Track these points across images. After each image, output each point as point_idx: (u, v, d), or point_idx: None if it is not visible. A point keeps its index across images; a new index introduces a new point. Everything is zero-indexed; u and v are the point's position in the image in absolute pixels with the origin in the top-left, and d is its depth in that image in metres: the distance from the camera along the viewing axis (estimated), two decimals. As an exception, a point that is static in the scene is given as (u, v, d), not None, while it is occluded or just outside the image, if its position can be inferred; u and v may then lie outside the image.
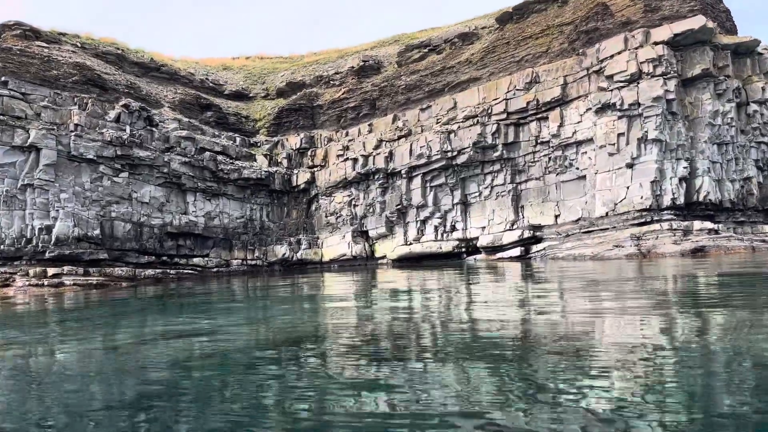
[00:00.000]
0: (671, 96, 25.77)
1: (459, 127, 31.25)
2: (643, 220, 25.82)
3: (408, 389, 4.78)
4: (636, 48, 26.32)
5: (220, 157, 33.62)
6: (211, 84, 38.55)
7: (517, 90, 29.77)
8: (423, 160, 32.11)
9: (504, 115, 30.05)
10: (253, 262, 34.90)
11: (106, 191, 29.19)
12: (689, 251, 23.03)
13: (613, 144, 26.67)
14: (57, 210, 27.29)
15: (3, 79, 27.37)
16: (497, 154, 30.27)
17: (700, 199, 26.11)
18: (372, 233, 34.83)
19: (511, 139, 30.06)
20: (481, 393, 4.60)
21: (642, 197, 25.86)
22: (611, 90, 26.63)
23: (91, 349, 8.31)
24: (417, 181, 32.87)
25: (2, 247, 26.27)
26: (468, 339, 7.32)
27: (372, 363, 6.00)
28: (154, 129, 31.48)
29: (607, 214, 26.94)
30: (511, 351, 6.27)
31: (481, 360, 5.85)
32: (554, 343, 6.47)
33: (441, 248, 32.15)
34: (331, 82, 38.23)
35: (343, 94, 37.02)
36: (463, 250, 31.99)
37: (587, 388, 4.51)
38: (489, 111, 30.44)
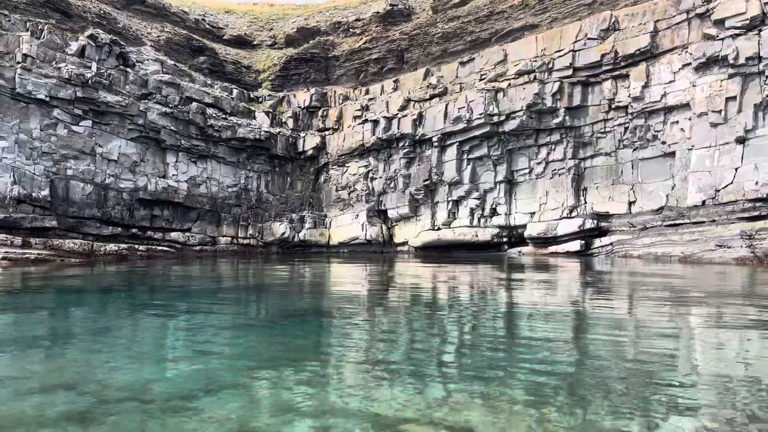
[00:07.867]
0: (806, 49, 19.21)
1: (509, 84, 24.76)
2: (756, 214, 19.40)
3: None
4: (760, -17, 19.72)
5: (210, 111, 27.35)
6: (207, 26, 32.23)
7: (589, 39, 23.22)
8: (461, 126, 25.70)
9: (569, 71, 23.54)
10: (246, 241, 28.77)
11: (61, 142, 23.08)
12: (826, 259, 16.93)
13: (719, 111, 20.17)
14: (-8, 162, 21.24)
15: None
16: (557, 120, 23.82)
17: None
18: (392, 213, 28.55)
19: (576, 101, 23.57)
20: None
21: (757, 183, 19.38)
22: (721, 39, 20.06)
23: None
24: (451, 152, 26.47)
25: None
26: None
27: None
28: (128, 70, 25.26)
29: (703, 203, 20.54)
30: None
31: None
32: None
33: (477, 236, 25.86)
34: (351, 30, 31.75)
35: (364, 43, 30.57)
36: (505, 240, 25.75)
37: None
38: (550, 66, 23.94)
